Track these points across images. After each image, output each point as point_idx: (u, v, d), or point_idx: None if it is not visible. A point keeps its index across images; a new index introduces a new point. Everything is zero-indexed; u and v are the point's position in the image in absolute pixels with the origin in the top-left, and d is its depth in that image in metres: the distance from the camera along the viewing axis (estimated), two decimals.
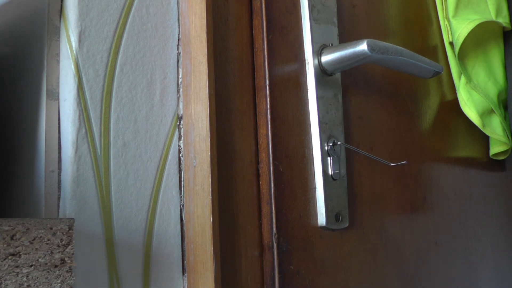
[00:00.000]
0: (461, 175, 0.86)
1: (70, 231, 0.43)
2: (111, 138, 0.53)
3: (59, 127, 0.52)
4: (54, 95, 0.52)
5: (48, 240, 0.42)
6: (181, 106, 0.58)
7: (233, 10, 0.59)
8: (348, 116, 0.67)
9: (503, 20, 0.90)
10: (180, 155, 0.58)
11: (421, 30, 0.86)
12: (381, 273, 0.68)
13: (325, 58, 0.63)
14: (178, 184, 0.57)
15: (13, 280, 0.40)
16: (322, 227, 0.61)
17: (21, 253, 0.41)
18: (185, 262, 0.56)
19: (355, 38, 0.70)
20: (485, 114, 0.86)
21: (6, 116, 0.59)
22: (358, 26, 0.72)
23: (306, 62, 0.63)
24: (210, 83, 0.55)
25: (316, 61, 0.63)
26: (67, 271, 0.43)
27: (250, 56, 0.60)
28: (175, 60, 0.59)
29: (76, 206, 0.49)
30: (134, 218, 0.53)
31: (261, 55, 0.60)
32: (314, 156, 0.62)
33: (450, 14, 0.85)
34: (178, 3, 0.60)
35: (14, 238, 0.41)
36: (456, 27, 0.83)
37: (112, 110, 0.53)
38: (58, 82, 0.53)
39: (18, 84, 0.58)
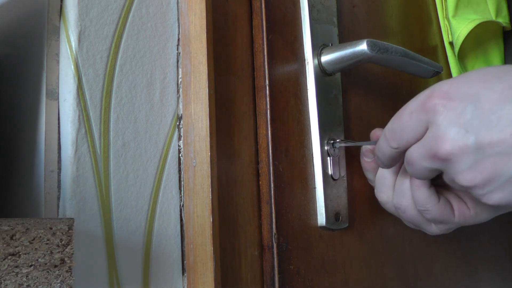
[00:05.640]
0: None
1: (69, 231, 0.43)
2: (111, 138, 0.53)
3: (58, 127, 0.52)
4: (53, 95, 0.52)
5: (48, 240, 0.42)
6: (181, 106, 0.58)
7: (233, 10, 0.59)
8: (348, 116, 0.67)
9: (503, 20, 0.90)
10: (180, 155, 0.58)
11: (421, 30, 0.85)
12: (381, 273, 0.68)
13: (325, 58, 0.63)
14: (178, 184, 0.57)
15: (13, 280, 0.40)
16: (322, 227, 0.61)
17: (20, 253, 0.41)
18: (185, 262, 0.56)
19: (355, 38, 0.70)
20: None
21: (6, 116, 0.59)
22: (358, 26, 0.72)
23: (306, 62, 0.63)
24: (210, 83, 0.55)
25: (316, 61, 0.63)
26: (66, 271, 0.43)
27: (250, 56, 0.60)
28: (175, 60, 0.59)
29: (75, 206, 0.49)
30: (134, 218, 0.53)
31: (261, 55, 0.60)
32: (314, 156, 0.62)
33: (450, 14, 0.85)
34: (178, 3, 0.60)
35: (14, 238, 0.41)
36: (456, 27, 0.83)
37: (111, 110, 0.53)
38: (58, 82, 0.53)
39: (18, 84, 0.58)
